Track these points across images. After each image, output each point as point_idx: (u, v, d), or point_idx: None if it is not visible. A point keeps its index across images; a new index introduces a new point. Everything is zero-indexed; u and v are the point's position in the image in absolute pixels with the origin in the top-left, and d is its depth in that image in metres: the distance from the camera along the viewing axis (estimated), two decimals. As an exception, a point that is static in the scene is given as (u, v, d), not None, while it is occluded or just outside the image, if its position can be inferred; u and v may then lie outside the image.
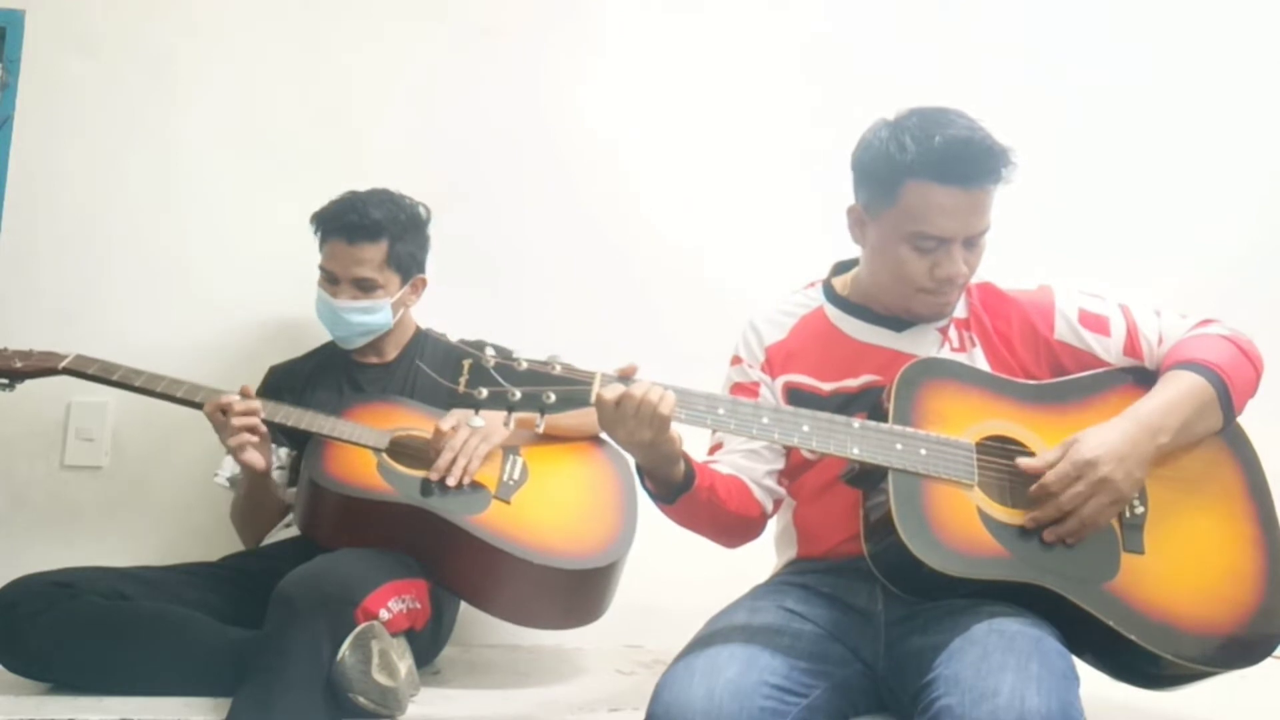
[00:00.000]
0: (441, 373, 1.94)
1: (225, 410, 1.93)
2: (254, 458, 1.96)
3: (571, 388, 1.43)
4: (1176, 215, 2.74)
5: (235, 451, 1.95)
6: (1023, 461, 1.55)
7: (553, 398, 1.42)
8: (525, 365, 1.43)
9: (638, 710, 1.44)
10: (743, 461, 1.70)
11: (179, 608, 1.83)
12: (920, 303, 1.66)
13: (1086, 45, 2.76)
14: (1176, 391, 1.58)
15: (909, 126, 1.61)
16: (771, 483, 1.71)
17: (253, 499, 2.10)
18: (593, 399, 1.43)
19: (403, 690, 1.69)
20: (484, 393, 1.41)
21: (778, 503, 1.73)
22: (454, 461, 1.94)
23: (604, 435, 2.02)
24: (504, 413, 1.44)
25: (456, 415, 1.97)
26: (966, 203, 1.58)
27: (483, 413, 1.44)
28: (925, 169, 1.57)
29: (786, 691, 1.41)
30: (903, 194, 1.60)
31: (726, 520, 1.64)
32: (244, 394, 1.98)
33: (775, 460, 1.71)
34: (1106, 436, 1.53)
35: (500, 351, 1.46)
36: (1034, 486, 1.52)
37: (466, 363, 1.42)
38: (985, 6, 2.75)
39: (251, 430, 1.94)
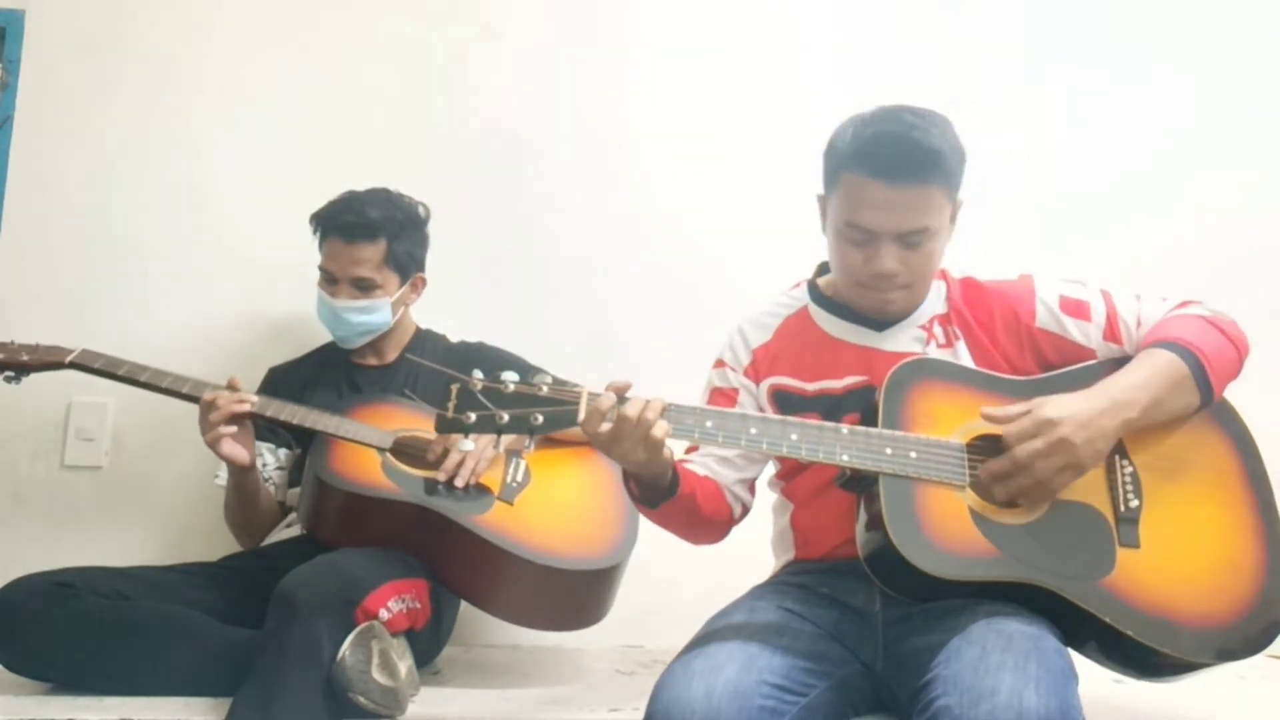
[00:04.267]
0: (437, 378, 1.93)
1: (213, 405, 1.93)
2: (233, 450, 1.94)
3: (558, 408, 1.43)
4: (1176, 215, 2.74)
5: (212, 445, 1.93)
6: (986, 410, 1.54)
7: (540, 419, 1.42)
8: (512, 388, 1.42)
9: (638, 710, 1.43)
10: (716, 466, 1.71)
11: (179, 608, 1.83)
12: (861, 297, 1.67)
13: (1086, 45, 2.76)
14: (1149, 369, 1.58)
15: (861, 118, 1.62)
16: (741, 490, 1.72)
17: (241, 493, 2.07)
18: (580, 417, 1.42)
19: (403, 690, 1.69)
20: (472, 417, 1.41)
21: (745, 509, 1.74)
22: (461, 463, 1.95)
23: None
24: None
25: None
26: (893, 199, 1.57)
27: None
28: (856, 161, 1.59)
29: (785, 691, 1.41)
30: (840, 184, 1.62)
31: (698, 521, 1.65)
32: (231, 386, 1.97)
33: (747, 469, 1.73)
34: (1072, 401, 1.52)
35: (488, 375, 1.45)
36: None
37: (454, 387, 1.42)
38: (985, 6, 2.75)
39: (230, 421, 1.92)
